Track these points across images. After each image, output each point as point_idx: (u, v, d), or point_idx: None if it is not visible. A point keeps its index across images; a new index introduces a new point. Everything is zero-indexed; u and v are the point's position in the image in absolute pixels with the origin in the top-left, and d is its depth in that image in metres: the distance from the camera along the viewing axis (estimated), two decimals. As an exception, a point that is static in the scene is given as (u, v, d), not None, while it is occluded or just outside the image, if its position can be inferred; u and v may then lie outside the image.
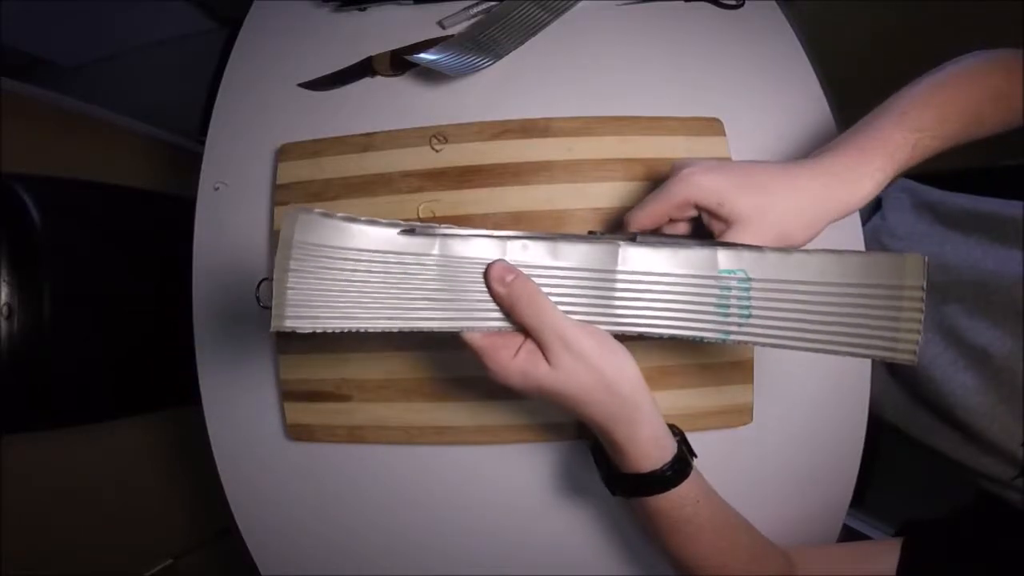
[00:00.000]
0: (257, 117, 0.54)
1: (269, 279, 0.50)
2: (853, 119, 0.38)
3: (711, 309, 0.33)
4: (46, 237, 0.64)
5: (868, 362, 0.47)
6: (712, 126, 0.48)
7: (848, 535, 0.50)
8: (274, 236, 0.50)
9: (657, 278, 0.33)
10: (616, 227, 0.47)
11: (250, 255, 0.52)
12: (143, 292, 0.76)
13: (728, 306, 0.32)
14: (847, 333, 0.31)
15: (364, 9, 0.56)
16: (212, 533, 0.90)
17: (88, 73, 1.33)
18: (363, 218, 0.31)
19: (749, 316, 0.32)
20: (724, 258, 0.32)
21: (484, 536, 0.49)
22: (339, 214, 0.30)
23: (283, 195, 0.51)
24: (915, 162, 0.36)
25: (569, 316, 0.33)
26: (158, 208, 0.83)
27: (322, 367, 0.49)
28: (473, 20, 0.55)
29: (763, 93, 0.51)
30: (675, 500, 0.35)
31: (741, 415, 0.46)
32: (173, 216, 0.59)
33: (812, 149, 0.37)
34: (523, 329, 0.33)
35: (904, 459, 0.61)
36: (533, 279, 0.33)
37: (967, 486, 0.50)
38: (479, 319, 0.33)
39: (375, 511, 0.50)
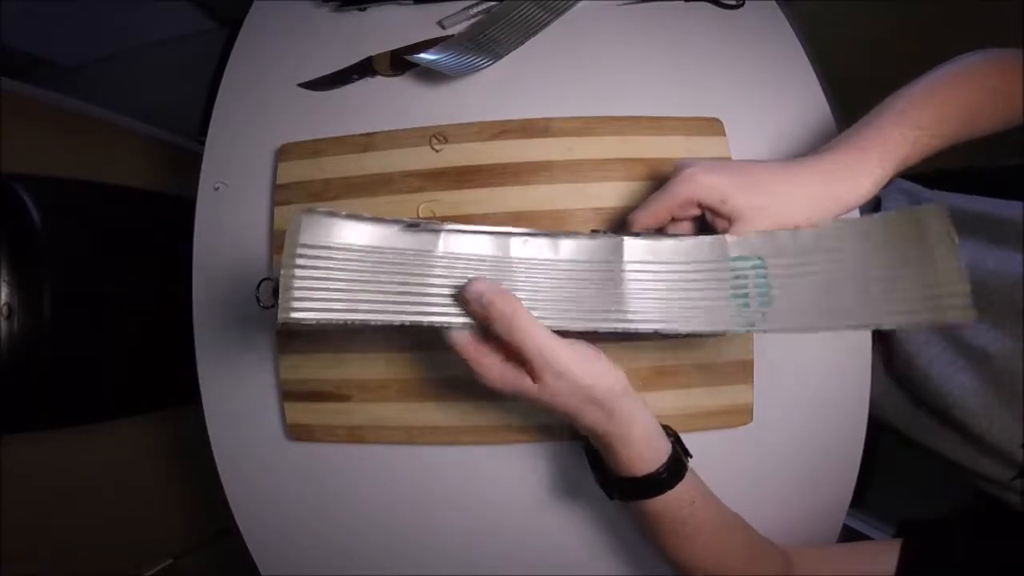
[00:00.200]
0: (257, 117, 0.54)
1: (269, 279, 0.50)
2: (853, 119, 0.38)
3: (728, 300, 0.31)
4: (46, 237, 0.64)
5: (868, 362, 0.47)
6: (712, 126, 0.48)
7: (848, 535, 0.50)
8: (274, 236, 0.50)
9: (665, 268, 0.32)
10: (619, 227, 0.47)
11: (250, 255, 0.52)
12: (143, 292, 0.76)
13: (746, 295, 0.31)
14: (883, 301, 0.29)
15: (364, 9, 0.56)
16: (212, 533, 0.90)
17: (88, 73, 1.33)
18: (367, 216, 0.31)
19: (769, 303, 0.30)
20: (734, 245, 0.31)
21: (483, 536, 0.49)
22: (343, 212, 0.31)
23: (283, 195, 0.51)
24: (914, 160, 0.36)
25: (573, 319, 0.32)
26: (158, 208, 0.83)
27: (322, 367, 0.49)
28: (473, 20, 0.55)
29: (763, 93, 0.51)
30: (671, 502, 0.35)
31: (741, 415, 0.46)
32: (173, 216, 0.59)
33: (812, 149, 0.37)
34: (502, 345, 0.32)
35: (904, 459, 0.61)
36: (536, 273, 0.32)
37: (967, 486, 0.50)
38: None
39: (375, 511, 0.50)
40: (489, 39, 0.52)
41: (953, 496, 0.53)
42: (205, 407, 0.52)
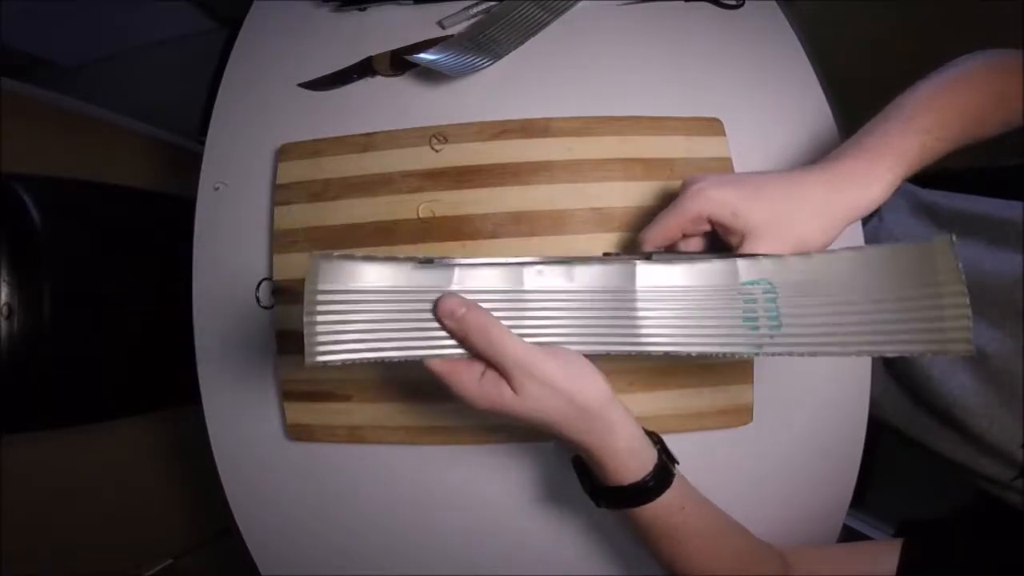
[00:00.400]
0: (257, 117, 0.54)
1: (269, 279, 0.50)
2: (853, 119, 0.38)
3: (738, 323, 0.32)
4: (46, 237, 0.64)
5: (868, 362, 0.47)
6: (712, 126, 0.48)
7: (848, 535, 0.50)
8: (274, 236, 0.50)
9: (678, 294, 0.32)
10: (630, 246, 0.47)
11: (250, 255, 0.52)
12: (143, 292, 0.76)
13: (756, 318, 0.31)
14: (889, 331, 0.29)
15: (364, 9, 0.56)
16: (212, 533, 0.90)
17: (88, 73, 1.33)
18: (381, 256, 0.32)
19: (779, 326, 0.31)
20: (745, 268, 0.31)
21: (483, 536, 0.49)
22: (359, 254, 0.31)
23: (283, 195, 0.51)
24: (924, 164, 0.36)
25: (585, 344, 0.32)
26: (158, 208, 0.83)
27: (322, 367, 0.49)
28: (473, 20, 0.55)
29: (763, 93, 0.51)
30: (659, 509, 0.35)
31: (741, 415, 0.46)
32: (173, 216, 0.59)
33: (812, 149, 0.38)
34: (482, 358, 0.32)
35: (904, 459, 0.61)
36: (551, 303, 0.33)
37: (967, 486, 0.50)
38: None
39: (375, 511, 0.50)
40: (489, 39, 0.52)
41: (953, 496, 0.53)
42: (205, 407, 0.52)
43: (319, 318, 0.31)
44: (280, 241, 0.50)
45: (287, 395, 0.49)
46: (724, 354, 0.32)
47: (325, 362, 0.31)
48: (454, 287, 0.32)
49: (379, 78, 0.54)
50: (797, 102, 0.50)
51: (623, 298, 0.33)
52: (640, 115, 0.49)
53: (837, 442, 0.47)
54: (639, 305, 0.32)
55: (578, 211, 0.48)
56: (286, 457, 0.51)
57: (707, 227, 0.37)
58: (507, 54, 0.52)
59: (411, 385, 0.48)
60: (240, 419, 0.52)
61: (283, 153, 0.52)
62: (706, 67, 0.52)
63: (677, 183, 0.39)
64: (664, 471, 0.35)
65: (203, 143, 0.55)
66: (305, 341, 0.30)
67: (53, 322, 0.63)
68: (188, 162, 0.63)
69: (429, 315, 0.32)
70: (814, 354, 0.31)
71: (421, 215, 0.49)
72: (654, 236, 0.37)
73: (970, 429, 0.45)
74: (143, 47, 1.31)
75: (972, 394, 0.44)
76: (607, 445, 0.33)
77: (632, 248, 0.40)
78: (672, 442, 0.38)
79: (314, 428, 0.49)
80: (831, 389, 0.47)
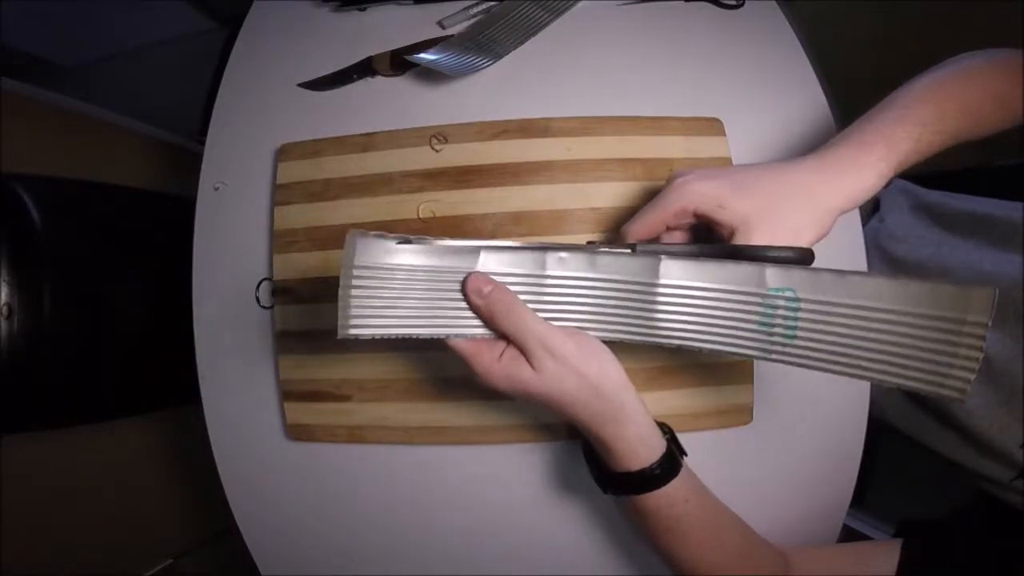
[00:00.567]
0: (257, 117, 0.54)
1: (269, 279, 0.50)
2: (853, 119, 0.38)
3: (754, 327, 0.32)
4: (46, 237, 0.64)
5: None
6: (712, 126, 0.48)
7: (848, 535, 0.50)
8: (274, 236, 0.50)
9: (701, 292, 0.33)
10: (614, 237, 0.47)
11: (250, 255, 0.52)
12: (143, 292, 0.76)
13: (773, 325, 0.32)
14: (895, 362, 0.30)
15: (364, 9, 0.56)
16: (212, 533, 0.90)
17: (88, 73, 1.33)
18: (412, 236, 0.33)
19: (794, 337, 0.31)
20: (773, 276, 0.31)
21: (483, 536, 0.49)
22: (392, 235, 0.33)
23: (283, 195, 0.51)
24: (917, 158, 0.36)
25: (601, 330, 0.33)
26: (158, 208, 0.83)
27: (322, 367, 0.49)
28: (473, 20, 0.55)
29: (763, 93, 0.51)
30: (665, 499, 0.35)
31: (741, 415, 0.46)
32: (173, 216, 0.59)
33: (812, 149, 0.37)
34: (505, 337, 0.33)
35: (904, 459, 0.61)
36: (572, 289, 0.34)
37: (967, 486, 0.50)
38: None
39: (375, 511, 0.50)
40: (489, 39, 0.52)
41: (953, 496, 0.53)
42: (205, 407, 0.52)
43: (353, 292, 0.32)
44: (280, 241, 0.50)
45: (287, 395, 0.49)
46: (733, 354, 0.33)
47: (356, 335, 0.33)
48: (479, 269, 0.34)
49: (379, 78, 0.54)
50: (797, 102, 0.50)
51: (644, 290, 0.33)
52: (640, 115, 0.49)
53: (837, 442, 0.47)
54: (659, 299, 0.33)
55: (577, 211, 0.48)
56: (286, 457, 0.51)
57: (691, 220, 0.36)
58: (507, 54, 0.52)
59: (411, 385, 0.48)
60: (240, 419, 0.52)
61: (283, 153, 0.52)
62: (706, 67, 0.52)
63: (675, 183, 0.39)
64: (672, 460, 0.35)
65: (203, 143, 0.55)
66: (339, 314, 0.32)
67: (53, 322, 0.63)
68: (188, 162, 0.63)
69: (454, 294, 0.34)
70: (819, 369, 0.31)
71: (421, 215, 0.49)
72: (636, 230, 0.37)
73: (970, 430, 0.45)
74: (143, 47, 1.31)
75: (972, 395, 0.44)
76: (618, 429, 0.34)
77: (613, 240, 0.40)
78: (672, 442, 0.38)
79: (314, 428, 0.49)
80: (831, 389, 0.47)
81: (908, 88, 0.38)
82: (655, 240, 0.38)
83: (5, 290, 0.60)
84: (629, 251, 0.34)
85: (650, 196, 0.37)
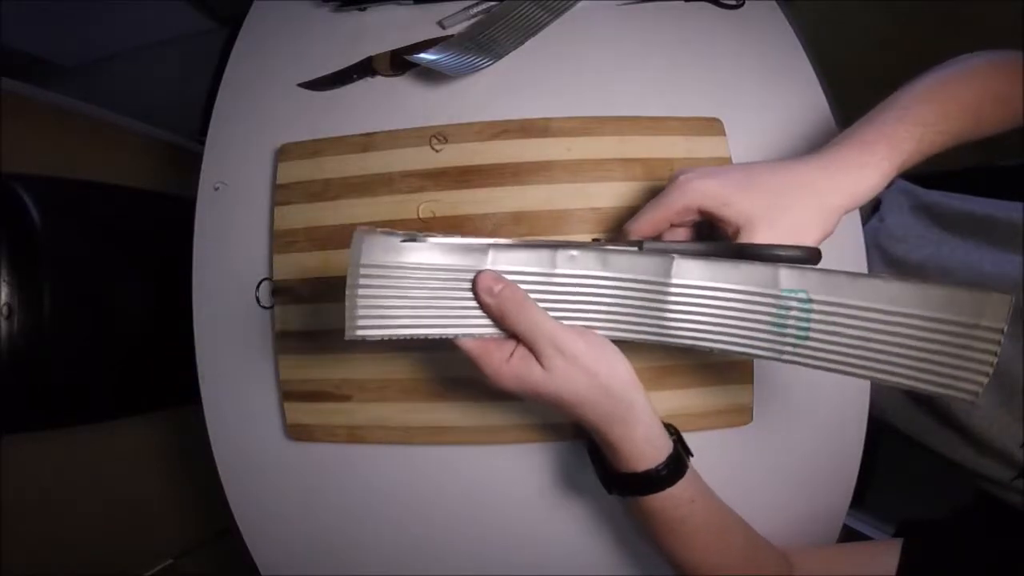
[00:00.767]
0: (257, 117, 0.54)
1: (269, 279, 0.50)
2: (853, 119, 0.38)
3: (766, 327, 0.32)
4: (46, 237, 0.64)
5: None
6: (712, 126, 0.48)
7: (848, 535, 0.50)
8: (274, 236, 0.50)
9: (713, 292, 0.32)
10: (617, 235, 0.47)
11: (250, 255, 0.52)
12: (143, 292, 0.76)
13: (785, 326, 0.31)
14: (906, 364, 0.30)
15: (364, 9, 0.56)
16: (212, 533, 0.90)
17: (88, 73, 1.32)
18: (420, 234, 0.33)
19: (806, 338, 0.31)
20: (786, 277, 0.31)
21: (483, 536, 0.49)
22: (399, 233, 0.32)
23: (283, 195, 0.51)
24: (919, 159, 0.36)
25: (611, 329, 0.33)
26: (158, 208, 0.83)
27: (322, 367, 0.49)
28: (473, 20, 0.55)
29: (763, 93, 0.51)
30: (670, 500, 0.35)
31: (741, 415, 0.46)
32: (173, 216, 0.59)
33: (812, 149, 0.37)
34: (515, 336, 0.33)
35: (904, 459, 0.61)
36: (582, 287, 0.33)
37: (967, 486, 0.50)
38: None
39: (375, 511, 0.50)
40: (489, 39, 0.52)
41: (953, 496, 0.53)
42: (205, 407, 0.52)
43: (360, 292, 0.32)
44: (280, 241, 0.50)
45: (287, 395, 0.49)
46: (744, 354, 0.32)
47: (364, 336, 0.32)
48: (488, 267, 0.33)
49: (379, 78, 0.54)
50: (797, 102, 0.50)
51: (655, 289, 0.33)
52: (640, 115, 0.49)
53: (837, 442, 0.47)
54: (671, 298, 0.33)
55: (577, 211, 0.48)
56: (286, 457, 0.51)
57: (695, 218, 0.37)
58: (507, 54, 0.52)
59: (411, 385, 0.48)
60: (240, 419, 0.52)
61: (283, 153, 0.52)
62: (706, 67, 0.52)
63: (675, 183, 0.39)
64: (678, 461, 0.35)
65: (203, 143, 0.55)
66: (346, 315, 0.32)
67: (53, 322, 0.63)
68: (188, 162, 0.63)
69: (462, 293, 0.33)
70: (830, 370, 0.31)
71: (421, 215, 0.49)
72: (639, 227, 0.37)
73: (970, 430, 0.45)
74: (143, 47, 1.31)
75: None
76: (626, 430, 0.33)
77: (616, 238, 0.40)
78: (672, 442, 0.38)
79: (314, 428, 0.49)
80: (831, 389, 0.47)
81: (910, 88, 0.38)
82: (658, 238, 0.38)
83: (5, 290, 0.60)
84: (636, 249, 0.34)
85: (650, 196, 0.37)
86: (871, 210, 0.61)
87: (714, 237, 0.37)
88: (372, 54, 0.54)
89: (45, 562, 0.67)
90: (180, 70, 1.25)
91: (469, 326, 0.34)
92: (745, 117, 0.49)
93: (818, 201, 0.34)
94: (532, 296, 0.33)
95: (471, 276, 0.33)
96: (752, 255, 0.33)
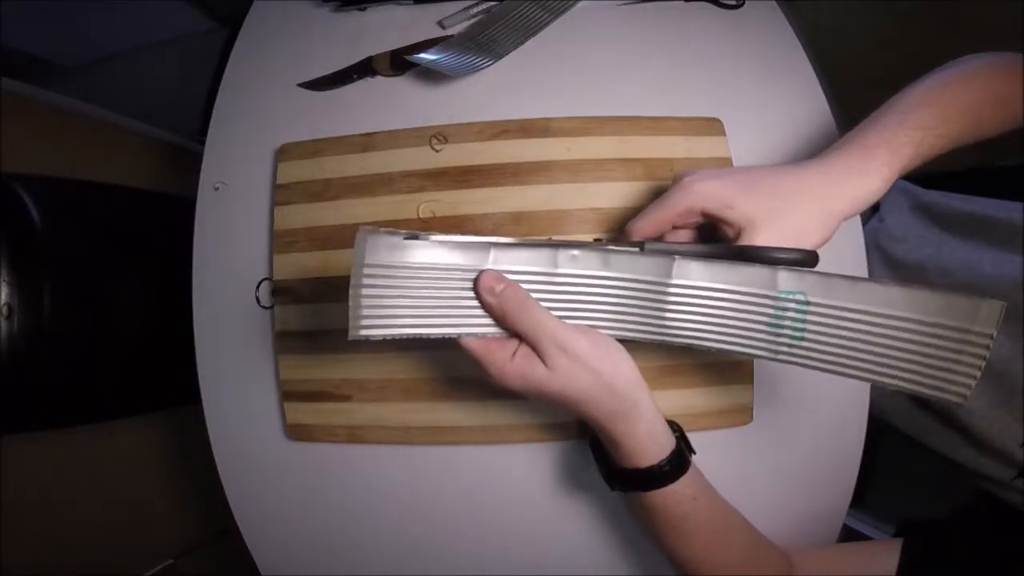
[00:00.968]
0: (257, 117, 0.54)
1: (269, 279, 0.50)
2: (853, 119, 0.38)
3: (762, 328, 0.32)
4: (46, 237, 0.64)
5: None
6: (712, 126, 0.48)
7: (848, 535, 0.50)
8: (274, 236, 0.50)
9: (713, 293, 0.33)
10: (619, 235, 0.47)
11: (250, 255, 0.52)
12: (143, 292, 0.76)
13: (781, 327, 0.32)
14: (898, 366, 0.31)
15: (364, 9, 0.56)
16: (212, 533, 0.90)
17: (88, 73, 1.32)
18: (422, 233, 0.33)
19: (802, 339, 0.32)
20: (785, 279, 0.32)
21: (483, 536, 0.49)
22: (402, 232, 0.32)
23: (283, 195, 0.51)
24: (921, 161, 0.36)
25: (611, 328, 0.33)
26: (158, 208, 0.83)
27: (322, 367, 0.49)
28: (473, 20, 0.55)
29: (763, 93, 0.51)
30: (672, 496, 0.35)
31: (741, 415, 0.46)
32: (173, 216, 0.59)
33: (812, 149, 0.38)
34: (518, 335, 0.33)
35: (904, 459, 0.61)
36: (583, 287, 0.33)
37: (967, 486, 0.50)
38: None
39: (375, 511, 0.50)
40: (489, 39, 0.52)
41: (953, 496, 0.53)
42: (205, 407, 0.52)
43: (364, 291, 0.32)
44: (280, 241, 0.50)
45: (287, 395, 0.49)
46: (741, 354, 0.33)
47: (368, 336, 0.32)
48: (489, 266, 0.33)
49: (379, 78, 0.54)
50: (797, 102, 0.50)
51: (656, 289, 0.33)
52: (640, 115, 0.49)
53: (837, 442, 0.47)
54: (671, 298, 0.33)
55: (577, 211, 0.48)
56: (286, 457, 0.51)
57: (698, 220, 0.37)
58: (507, 54, 0.52)
59: (411, 385, 0.48)
60: (240, 419, 0.52)
61: (283, 153, 0.52)
62: (706, 67, 0.52)
63: (676, 183, 0.39)
64: (681, 458, 0.35)
65: (203, 143, 0.55)
66: (350, 315, 0.32)
67: (53, 322, 0.63)
68: (188, 162, 0.63)
69: (465, 293, 0.33)
70: (823, 371, 0.32)
71: (421, 215, 0.49)
72: (642, 227, 0.37)
73: (970, 429, 0.45)
74: (143, 47, 1.31)
75: (972, 395, 0.44)
76: (629, 425, 0.34)
77: (618, 238, 0.41)
78: (672, 442, 0.38)
79: (314, 428, 0.49)
80: (832, 390, 0.47)
81: (909, 92, 0.38)
82: (660, 239, 0.38)
83: (5, 290, 0.60)
84: (637, 249, 0.34)
85: (650, 196, 0.38)
86: (871, 210, 0.61)
87: (716, 240, 0.37)
88: (372, 54, 0.54)
89: (45, 562, 0.67)
90: (180, 70, 1.25)
91: (472, 326, 0.34)
92: (745, 117, 0.49)
93: (819, 206, 0.34)
94: (534, 295, 0.33)
95: (473, 276, 0.33)
96: (752, 257, 0.33)
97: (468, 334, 0.34)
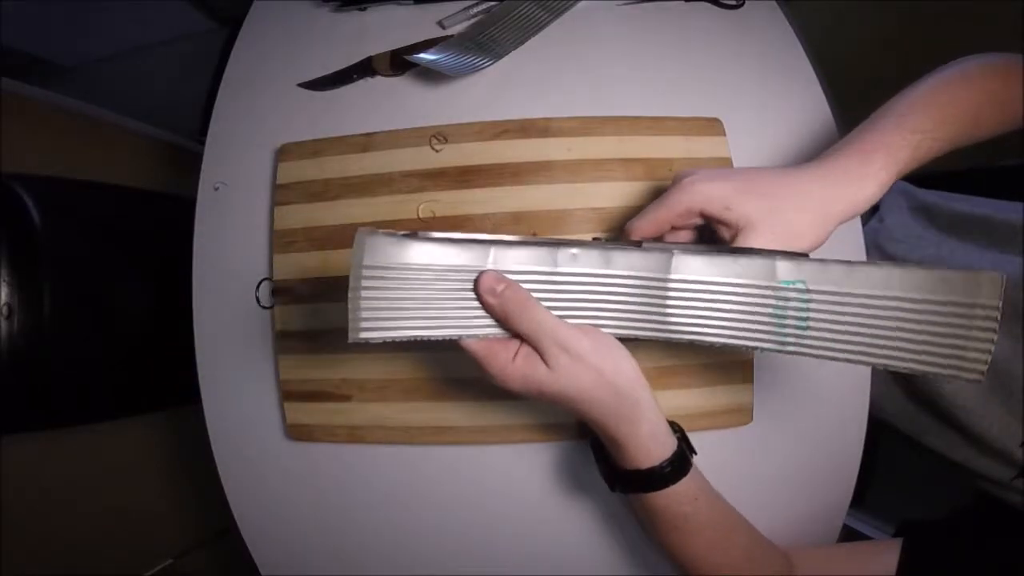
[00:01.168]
0: (257, 117, 0.54)
1: (269, 279, 0.50)
2: (854, 119, 0.38)
3: (767, 319, 0.32)
4: (46, 237, 0.64)
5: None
6: (712, 126, 0.48)
7: (848, 535, 0.50)
8: (274, 236, 0.50)
9: (712, 287, 0.33)
10: (618, 234, 0.47)
11: (250, 255, 0.52)
12: (143, 292, 0.76)
13: (785, 317, 0.32)
14: (909, 348, 0.30)
15: (364, 9, 0.56)
16: (212, 533, 0.90)
17: (88, 73, 1.32)
18: (420, 233, 0.33)
19: (807, 328, 0.32)
20: (784, 269, 0.32)
21: (484, 536, 0.49)
22: (401, 233, 0.32)
23: (283, 195, 0.51)
24: (918, 164, 0.36)
25: (614, 326, 0.33)
26: (158, 208, 0.83)
27: (322, 367, 0.49)
28: (473, 20, 0.55)
29: (763, 93, 0.51)
30: (673, 497, 0.35)
31: (741, 415, 0.46)
32: (173, 216, 0.59)
33: (812, 149, 0.38)
34: (519, 336, 0.33)
35: (904, 459, 0.61)
36: (584, 285, 0.33)
37: (967, 486, 0.50)
38: None
39: (375, 511, 0.50)
40: (489, 39, 0.52)
41: (953, 496, 0.54)
42: (205, 407, 0.52)
43: (363, 293, 0.32)
44: (280, 241, 0.50)
45: (287, 395, 0.49)
46: (747, 347, 0.33)
47: (368, 339, 0.32)
48: (490, 266, 0.33)
49: (379, 78, 0.54)
50: (797, 102, 0.50)
51: (656, 285, 0.33)
52: (640, 115, 0.49)
53: (837, 442, 0.47)
54: (671, 294, 0.33)
55: (577, 211, 0.48)
56: (286, 457, 0.51)
57: (697, 221, 0.37)
58: (507, 54, 0.52)
59: (411, 385, 0.48)
60: (240, 419, 0.52)
61: (283, 153, 0.52)
62: (706, 67, 0.52)
63: (676, 183, 0.39)
64: (682, 459, 0.35)
65: (203, 143, 0.55)
66: (349, 318, 0.31)
67: (53, 322, 0.63)
68: (188, 162, 0.63)
69: (465, 293, 0.33)
70: (833, 358, 0.31)
71: (421, 215, 0.49)
72: (642, 227, 0.37)
73: (970, 429, 0.45)
74: (143, 47, 1.31)
75: (972, 394, 0.44)
76: (631, 426, 0.34)
77: (618, 238, 0.41)
78: (672, 442, 0.38)
79: (314, 428, 0.49)
80: (831, 389, 0.47)
81: (907, 94, 0.38)
82: (659, 239, 0.38)
83: (5, 290, 0.60)
84: (637, 247, 0.34)
85: (650, 196, 0.38)
86: (871, 211, 0.60)
87: (714, 241, 0.37)
88: (372, 54, 0.54)
89: (45, 562, 0.67)
90: (180, 70, 1.25)
91: (473, 327, 0.33)
92: (745, 117, 0.49)
93: (816, 209, 0.34)
94: (534, 295, 0.33)
95: (473, 276, 0.33)
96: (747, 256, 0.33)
97: (469, 335, 0.33)
